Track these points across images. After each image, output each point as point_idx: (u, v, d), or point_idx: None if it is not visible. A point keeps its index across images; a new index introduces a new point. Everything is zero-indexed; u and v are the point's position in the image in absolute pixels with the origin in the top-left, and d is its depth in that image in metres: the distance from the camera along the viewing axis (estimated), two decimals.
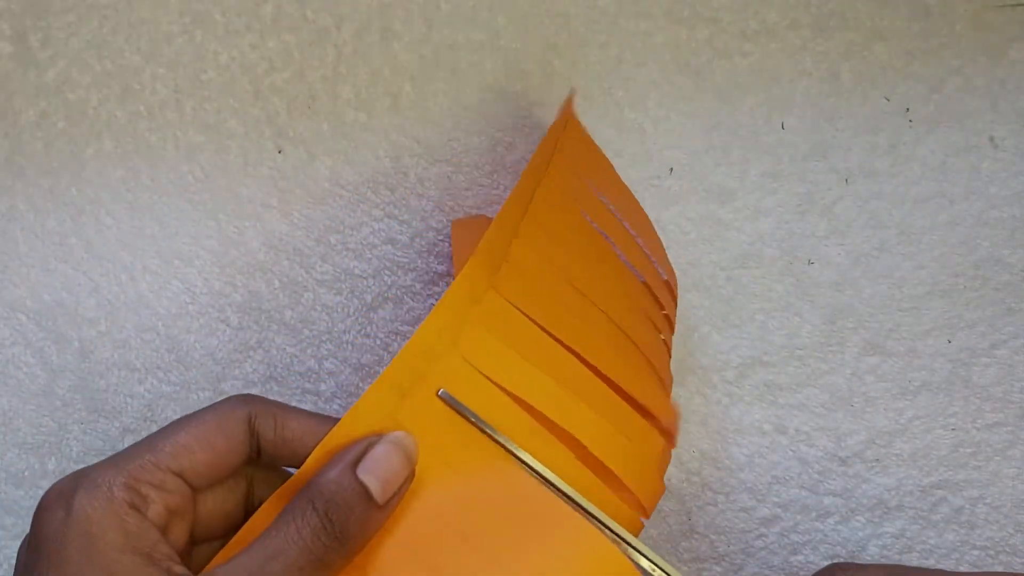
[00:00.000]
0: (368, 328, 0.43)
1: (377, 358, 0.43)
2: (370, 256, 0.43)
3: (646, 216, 0.41)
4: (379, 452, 0.29)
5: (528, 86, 0.43)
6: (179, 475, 0.28)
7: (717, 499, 0.43)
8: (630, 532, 0.32)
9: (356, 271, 0.43)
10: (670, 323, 0.39)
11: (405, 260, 0.43)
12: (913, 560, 0.43)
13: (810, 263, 0.44)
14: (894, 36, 0.44)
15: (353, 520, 0.28)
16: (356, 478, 0.28)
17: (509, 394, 0.31)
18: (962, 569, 0.43)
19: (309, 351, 0.43)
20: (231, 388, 0.43)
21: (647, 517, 0.34)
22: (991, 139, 0.44)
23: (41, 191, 0.43)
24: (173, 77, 0.43)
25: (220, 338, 0.43)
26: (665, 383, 0.37)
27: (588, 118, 0.43)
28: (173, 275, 0.43)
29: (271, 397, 0.42)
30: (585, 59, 0.44)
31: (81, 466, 0.42)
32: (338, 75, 0.43)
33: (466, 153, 0.43)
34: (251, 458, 0.30)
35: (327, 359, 0.43)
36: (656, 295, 0.39)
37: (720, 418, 0.43)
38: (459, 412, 0.30)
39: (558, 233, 0.35)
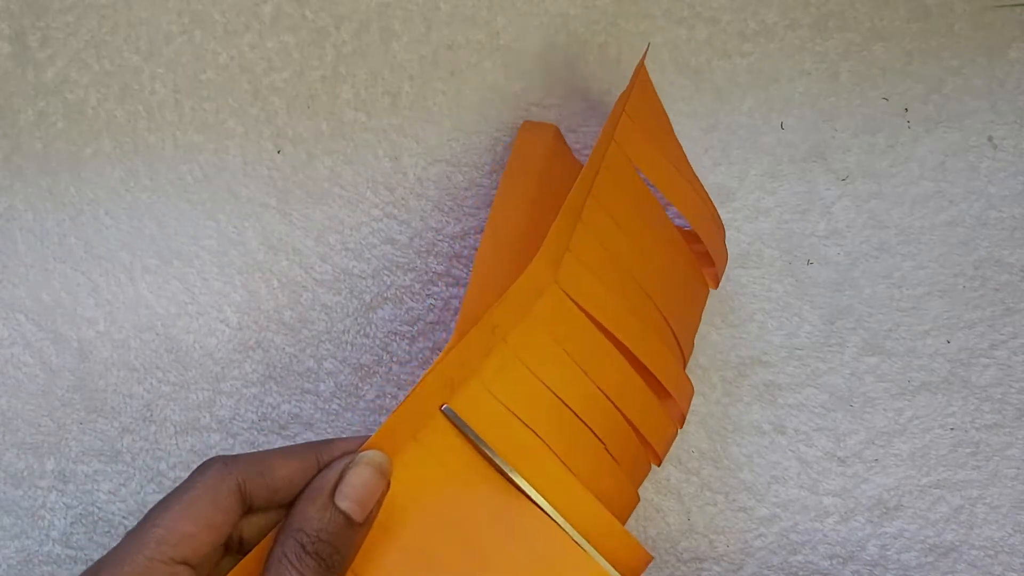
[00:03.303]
0: (367, 328, 0.43)
1: (376, 358, 0.43)
2: (369, 256, 0.43)
3: (695, 175, 0.41)
4: (354, 477, 0.30)
5: (528, 86, 0.43)
6: (184, 563, 0.29)
7: (716, 499, 0.43)
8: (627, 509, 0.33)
9: (355, 271, 0.43)
10: (716, 280, 0.41)
11: (404, 260, 0.43)
12: (912, 559, 0.43)
13: (809, 263, 0.44)
14: (893, 36, 0.44)
15: (341, 548, 0.29)
16: (336, 508, 0.29)
17: (551, 391, 0.32)
18: (960, 569, 0.43)
19: (308, 351, 0.43)
20: (230, 388, 0.43)
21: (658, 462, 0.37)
22: (990, 139, 0.44)
23: (40, 191, 0.43)
24: (172, 77, 0.43)
25: (219, 338, 0.43)
26: (687, 357, 0.39)
27: (588, 119, 0.43)
28: (172, 275, 0.43)
29: (270, 398, 0.42)
30: (585, 59, 0.44)
31: (80, 466, 0.42)
32: (337, 75, 0.43)
33: (466, 153, 0.43)
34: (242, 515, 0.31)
35: (326, 359, 0.43)
36: (704, 250, 0.40)
37: (719, 418, 0.43)
38: (461, 430, 0.31)
39: (620, 211, 0.35)
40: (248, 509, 0.31)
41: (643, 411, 0.35)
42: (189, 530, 0.29)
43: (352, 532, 0.30)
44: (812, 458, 0.43)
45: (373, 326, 0.43)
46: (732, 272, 0.44)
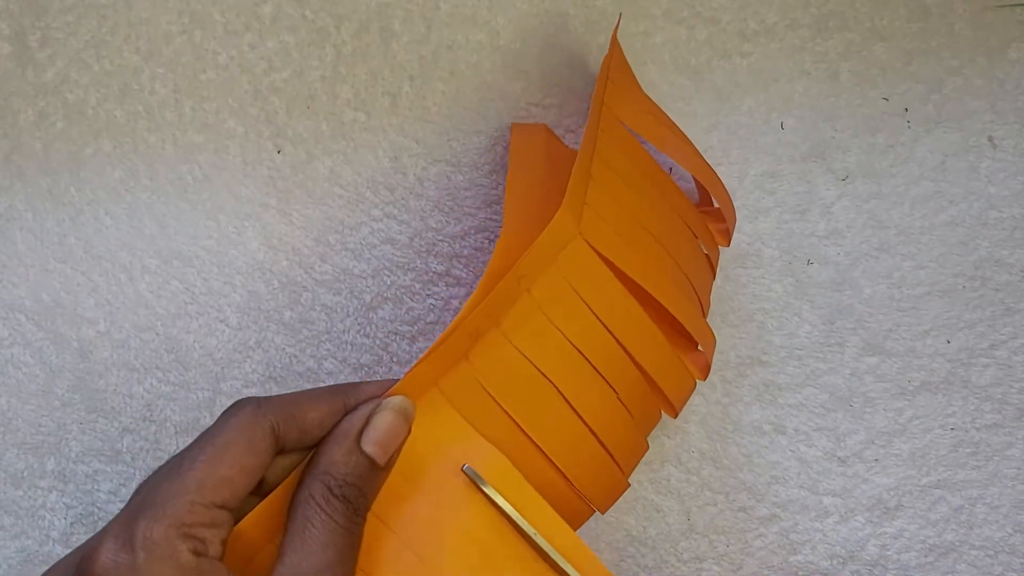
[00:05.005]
0: (367, 328, 0.43)
1: (376, 358, 0.43)
2: (369, 256, 0.43)
3: (687, 137, 0.42)
4: (380, 421, 0.30)
5: (528, 86, 0.43)
6: (223, 507, 0.28)
7: (716, 499, 0.43)
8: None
9: (355, 271, 0.43)
10: (728, 236, 0.42)
11: (404, 260, 0.43)
12: (912, 559, 0.43)
13: (809, 263, 0.44)
14: (893, 36, 0.44)
15: (366, 490, 0.30)
16: (363, 453, 0.30)
17: (569, 341, 0.33)
18: (960, 569, 0.43)
19: (308, 351, 0.43)
20: (230, 388, 0.43)
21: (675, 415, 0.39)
22: (990, 139, 0.44)
23: (40, 191, 0.43)
24: (172, 77, 0.43)
25: (219, 338, 0.43)
26: (706, 310, 0.40)
27: (587, 120, 0.43)
28: (172, 275, 0.43)
29: None
30: (585, 59, 0.44)
31: (80, 466, 0.42)
32: (337, 75, 0.43)
33: (465, 153, 0.43)
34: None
35: (326, 359, 0.43)
36: (708, 212, 0.41)
37: (719, 418, 0.43)
38: (480, 488, 0.31)
39: (624, 168, 0.36)
40: (278, 451, 0.30)
41: (660, 362, 0.35)
42: (227, 474, 0.28)
43: (375, 475, 0.30)
44: (812, 458, 0.43)
45: (373, 326, 0.43)
46: (732, 272, 0.44)
